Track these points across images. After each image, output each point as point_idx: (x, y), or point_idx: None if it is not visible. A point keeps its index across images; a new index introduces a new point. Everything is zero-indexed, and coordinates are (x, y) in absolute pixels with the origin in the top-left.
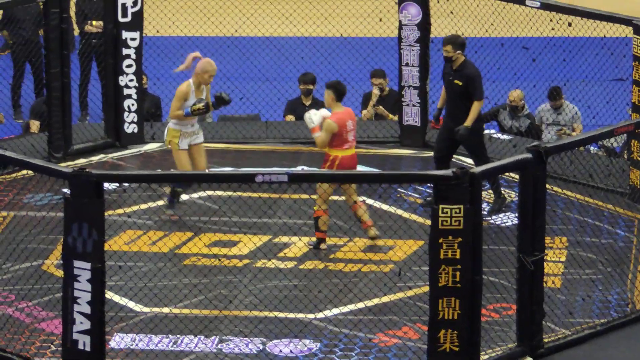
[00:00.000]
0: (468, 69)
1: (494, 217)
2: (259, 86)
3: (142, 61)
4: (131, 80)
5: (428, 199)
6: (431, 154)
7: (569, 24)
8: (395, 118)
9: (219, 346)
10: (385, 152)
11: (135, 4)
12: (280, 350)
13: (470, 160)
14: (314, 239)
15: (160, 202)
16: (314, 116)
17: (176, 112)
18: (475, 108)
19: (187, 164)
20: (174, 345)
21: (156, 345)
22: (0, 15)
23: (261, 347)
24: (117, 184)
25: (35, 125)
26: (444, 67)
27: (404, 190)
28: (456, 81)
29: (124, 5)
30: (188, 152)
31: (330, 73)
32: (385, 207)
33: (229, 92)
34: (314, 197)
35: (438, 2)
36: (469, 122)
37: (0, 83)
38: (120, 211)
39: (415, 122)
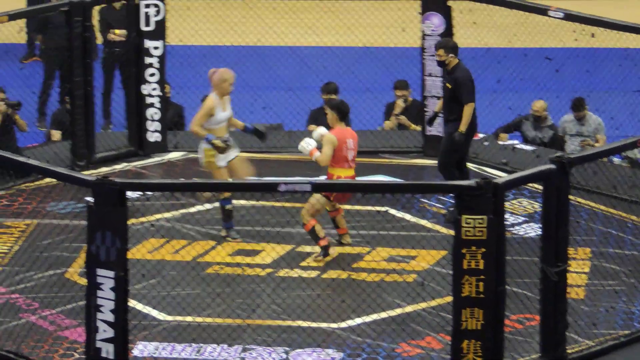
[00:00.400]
0: (459, 72)
1: (517, 227)
2: (282, 96)
3: (165, 70)
4: (154, 89)
5: (451, 211)
6: None
7: (592, 35)
8: (419, 128)
9: (242, 355)
10: (409, 162)
11: (158, 13)
12: (303, 359)
13: (492, 171)
14: (316, 248)
15: (183, 211)
16: (305, 143)
17: (195, 129)
18: (466, 112)
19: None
20: (197, 354)
21: (179, 354)
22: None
23: (284, 356)
24: (140, 192)
25: (56, 135)
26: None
27: (427, 201)
28: (447, 84)
29: (147, 14)
30: (227, 168)
31: (353, 83)
32: (408, 217)
33: (251, 101)
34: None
35: (461, 12)
36: (462, 127)
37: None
38: (143, 219)
39: (439, 132)
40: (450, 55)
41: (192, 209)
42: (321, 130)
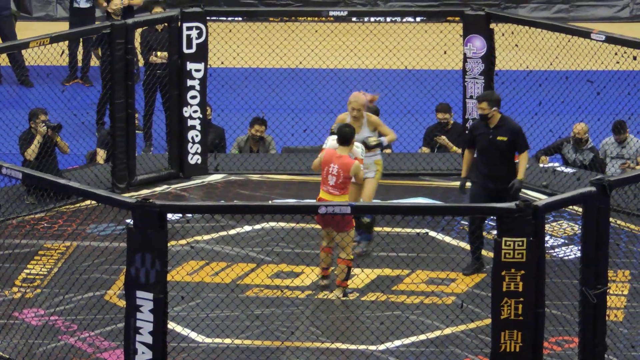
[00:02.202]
0: (511, 123)
1: (557, 250)
2: (322, 118)
3: (207, 92)
4: (195, 112)
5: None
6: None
7: (634, 58)
8: (459, 150)
9: None
10: (449, 184)
11: (200, 35)
12: None
13: (533, 193)
14: (338, 290)
15: (223, 233)
16: (359, 149)
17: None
18: (525, 158)
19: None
20: None
21: None
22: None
23: None
24: (180, 215)
25: (101, 155)
26: (476, 127)
27: (467, 223)
28: (500, 137)
29: (188, 36)
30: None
31: (395, 105)
32: (448, 239)
33: (292, 123)
34: (377, 229)
35: (503, 35)
36: (521, 174)
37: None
38: (183, 242)
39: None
40: (494, 108)
41: (232, 231)
42: (357, 150)
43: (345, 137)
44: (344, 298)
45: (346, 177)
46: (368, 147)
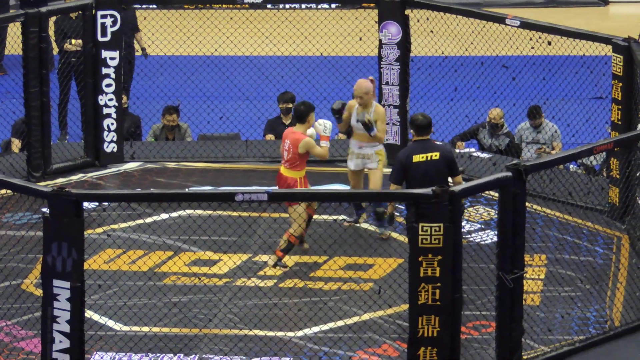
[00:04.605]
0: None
1: (473, 235)
2: (238, 105)
3: (122, 80)
4: (110, 100)
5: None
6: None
7: (549, 43)
8: None
9: None
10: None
11: (114, 23)
12: None
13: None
14: (273, 257)
15: (140, 221)
16: (321, 126)
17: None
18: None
19: (353, 182)
20: None
21: None
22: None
23: None
24: (97, 203)
25: (16, 144)
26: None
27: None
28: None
29: (103, 24)
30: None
31: (310, 92)
32: (365, 225)
33: (208, 111)
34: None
35: (418, 21)
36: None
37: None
38: (99, 230)
39: (395, 140)
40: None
41: (149, 219)
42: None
43: (299, 114)
44: (276, 268)
45: (295, 153)
46: (361, 122)
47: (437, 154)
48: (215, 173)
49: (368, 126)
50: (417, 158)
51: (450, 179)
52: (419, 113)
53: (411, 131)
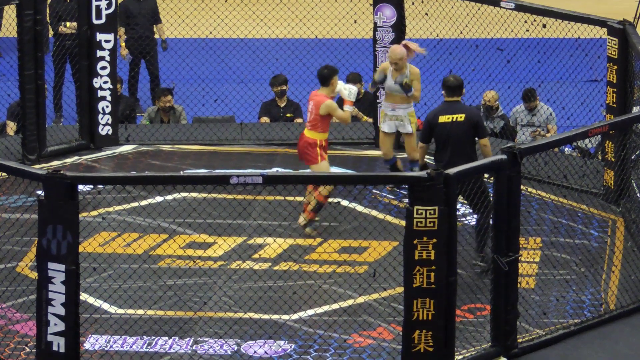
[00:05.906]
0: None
1: (468, 217)
2: (233, 88)
3: (117, 63)
4: (105, 82)
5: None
6: (404, 155)
7: (544, 26)
8: (370, 120)
9: (194, 347)
10: (360, 153)
11: (109, 6)
12: (255, 351)
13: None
14: (304, 216)
15: (134, 204)
16: (346, 91)
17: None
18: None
19: (384, 145)
20: (149, 347)
21: (131, 347)
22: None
23: (236, 348)
24: (92, 186)
25: (11, 127)
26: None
27: (378, 192)
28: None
29: (98, 7)
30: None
31: (305, 75)
32: (359, 208)
33: (203, 93)
34: (289, 198)
35: (413, 3)
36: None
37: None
38: (94, 213)
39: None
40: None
41: (144, 202)
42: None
43: (323, 77)
44: (308, 229)
45: (317, 114)
46: (399, 84)
47: (463, 115)
48: (210, 156)
49: (406, 88)
50: (442, 118)
51: (477, 140)
52: (450, 75)
53: (443, 92)
